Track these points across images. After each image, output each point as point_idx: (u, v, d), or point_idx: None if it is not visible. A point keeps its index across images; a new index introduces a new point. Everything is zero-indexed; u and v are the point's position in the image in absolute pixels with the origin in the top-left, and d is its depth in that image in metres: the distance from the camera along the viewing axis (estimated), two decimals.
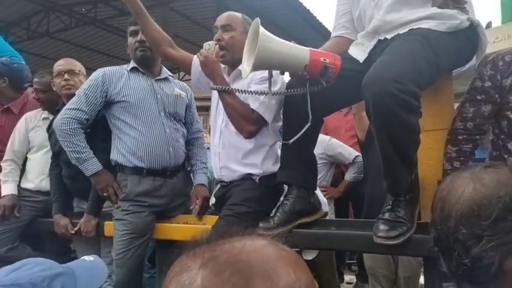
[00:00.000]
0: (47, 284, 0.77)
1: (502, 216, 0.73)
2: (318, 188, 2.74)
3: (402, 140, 1.30)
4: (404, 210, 1.39)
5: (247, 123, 1.71)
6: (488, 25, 3.76)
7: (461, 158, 1.44)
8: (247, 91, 1.64)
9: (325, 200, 2.34)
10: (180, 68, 2.03)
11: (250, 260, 0.45)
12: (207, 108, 2.00)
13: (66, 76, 2.21)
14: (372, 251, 1.82)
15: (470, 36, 1.44)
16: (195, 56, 1.90)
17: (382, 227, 1.36)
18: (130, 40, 2.05)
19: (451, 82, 1.58)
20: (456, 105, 1.57)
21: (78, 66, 2.31)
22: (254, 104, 1.70)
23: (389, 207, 1.41)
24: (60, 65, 2.27)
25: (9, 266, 0.80)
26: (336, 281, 2.91)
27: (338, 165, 3.17)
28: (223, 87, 1.69)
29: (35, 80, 2.48)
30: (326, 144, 2.95)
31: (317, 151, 2.79)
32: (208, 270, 0.44)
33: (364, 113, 2.54)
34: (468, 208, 0.75)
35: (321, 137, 2.92)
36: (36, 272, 0.79)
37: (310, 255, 2.42)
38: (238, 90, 1.67)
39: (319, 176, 2.80)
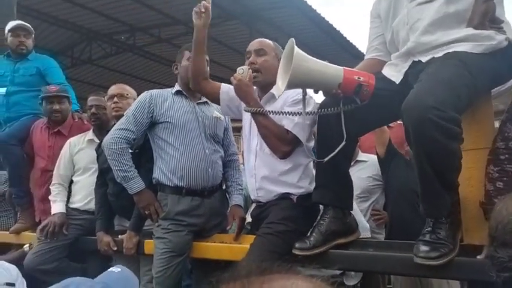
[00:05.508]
0: None
1: None
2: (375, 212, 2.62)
3: (443, 166, 1.29)
4: (446, 232, 1.36)
5: (282, 143, 1.74)
6: None
7: (504, 179, 1.39)
8: (281, 112, 1.68)
9: (366, 224, 2.26)
10: (210, 99, 2.09)
11: None
12: (239, 130, 2.05)
13: (115, 99, 2.38)
14: (413, 273, 1.77)
15: (509, 55, 1.42)
16: (222, 84, 1.98)
17: (423, 247, 1.34)
18: (185, 63, 2.11)
19: (490, 101, 1.55)
20: (497, 123, 1.53)
21: (128, 90, 2.47)
22: (289, 125, 1.74)
23: (429, 228, 1.38)
24: (111, 89, 2.46)
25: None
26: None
27: None
28: (258, 109, 1.74)
29: (94, 97, 2.64)
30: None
31: (371, 172, 2.72)
32: None
33: (386, 127, 2.48)
34: None
35: (375, 158, 2.76)
36: None
37: (352, 281, 2.32)
38: (272, 111, 1.72)
39: (372, 199, 2.70)
